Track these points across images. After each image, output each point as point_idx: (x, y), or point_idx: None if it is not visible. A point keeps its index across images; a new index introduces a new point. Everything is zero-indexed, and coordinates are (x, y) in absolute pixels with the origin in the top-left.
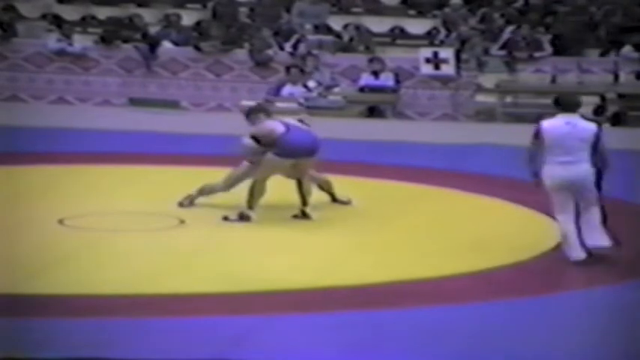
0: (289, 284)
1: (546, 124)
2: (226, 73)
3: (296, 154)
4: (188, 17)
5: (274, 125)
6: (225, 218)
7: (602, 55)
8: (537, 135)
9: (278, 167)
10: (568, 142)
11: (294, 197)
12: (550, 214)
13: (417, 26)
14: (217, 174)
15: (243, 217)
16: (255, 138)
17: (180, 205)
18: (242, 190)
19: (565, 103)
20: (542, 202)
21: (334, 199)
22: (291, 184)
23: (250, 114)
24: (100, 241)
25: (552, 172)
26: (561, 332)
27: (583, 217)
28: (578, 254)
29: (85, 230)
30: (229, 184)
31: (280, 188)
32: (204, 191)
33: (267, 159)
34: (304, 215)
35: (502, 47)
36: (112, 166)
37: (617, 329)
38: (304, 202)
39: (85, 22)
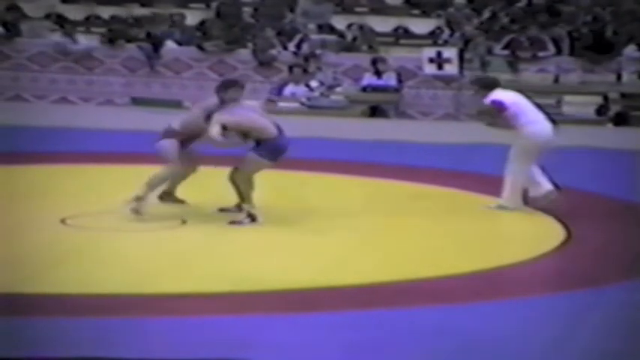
0: (292, 284)
1: (504, 97)
2: (230, 73)
3: (278, 158)
4: (192, 17)
5: (267, 124)
6: (233, 222)
7: (606, 54)
8: (504, 108)
9: (260, 168)
10: (530, 106)
11: (294, 197)
12: (554, 214)
13: (420, 26)
14: (219, 173)
15: (252, 218)
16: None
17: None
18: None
19: (494, 82)
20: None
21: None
22: (287, 185)
23: (224, 88)
24: (102, 240)
25: (544, 129)
26: (565, 332)
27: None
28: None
29: (87, 230)
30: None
31: (277, 189)
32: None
33: (252, 159)
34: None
35: (505, 47)
36: (114, 165)
37: (618, 330)
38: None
39: (89, 21)
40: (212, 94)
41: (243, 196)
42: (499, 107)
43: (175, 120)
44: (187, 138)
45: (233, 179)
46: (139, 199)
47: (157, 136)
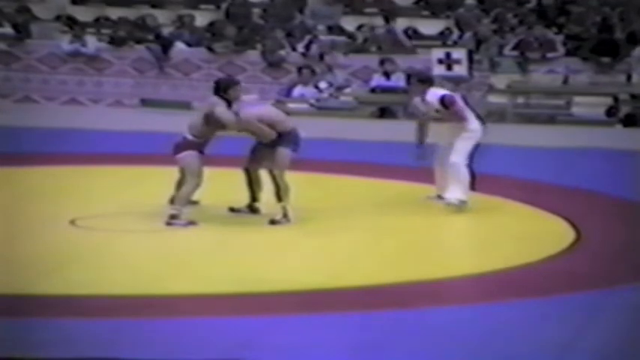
0: (298, 285)
1: (453, 95)
2: (239, 74)
3: (298, 148)
4: (201, 18)
5: (284, 116)
6: (272, 222)
7: (616, 56)
8: (454, 102)
9: (289, 161)
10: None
11: (301, 198)
12: (564, 215)
13: (429, 27)
14: (229, 175)
15: (284, 215)
16: (207, 117)
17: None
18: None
19: (431, 78)
20: (553, 203)
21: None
22: (295, 186)
23: (225, 89)
24: (111, 241)
25: (478, 125)
26: (571, 333)
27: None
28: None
29: (96, 231)
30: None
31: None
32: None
33: (284, 154)
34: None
35: (514, 48)
36: (124, 166)
37: (628, 331)
38: (257, 199)
39: (99, 23)
40: (210, 95)
41: (281, 195)
42: (450, 101)
43: (187, 129)
44: (203, 143)
45: (253, 178)
46: (175, 217)
47: (172, 146)
